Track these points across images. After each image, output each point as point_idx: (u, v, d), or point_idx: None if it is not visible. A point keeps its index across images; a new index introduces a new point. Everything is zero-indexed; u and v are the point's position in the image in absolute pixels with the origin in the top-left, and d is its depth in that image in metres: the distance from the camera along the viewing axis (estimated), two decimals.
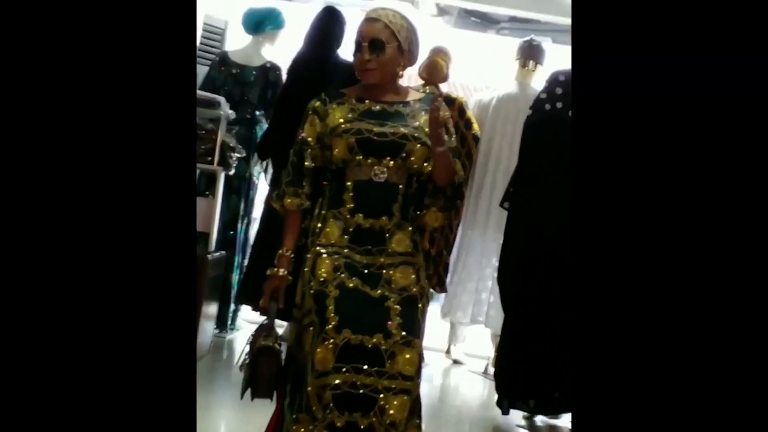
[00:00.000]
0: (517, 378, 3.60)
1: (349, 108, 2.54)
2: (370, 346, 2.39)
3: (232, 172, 4.33)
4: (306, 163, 2.54)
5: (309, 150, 2.55)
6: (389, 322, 2.40)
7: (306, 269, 2.49)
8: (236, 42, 5.22)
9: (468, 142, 4.24)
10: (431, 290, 2.88)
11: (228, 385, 3.71)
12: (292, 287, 2.51)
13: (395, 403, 2.39)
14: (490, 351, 4.61)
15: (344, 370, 2.37)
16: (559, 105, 3.55)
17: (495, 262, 4.10)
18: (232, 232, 4.60)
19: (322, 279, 2.46)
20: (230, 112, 4.23)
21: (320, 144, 2.53)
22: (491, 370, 4.24)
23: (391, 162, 2.49)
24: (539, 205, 3.57)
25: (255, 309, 4.00)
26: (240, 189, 4.64)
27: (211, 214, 4.11)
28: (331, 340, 2.38)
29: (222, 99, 4.17)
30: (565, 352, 3.44)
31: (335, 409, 2.37)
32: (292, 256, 2.52)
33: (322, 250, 2.50)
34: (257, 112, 4.72)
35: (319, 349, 2.39)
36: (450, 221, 2.69)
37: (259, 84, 4.75)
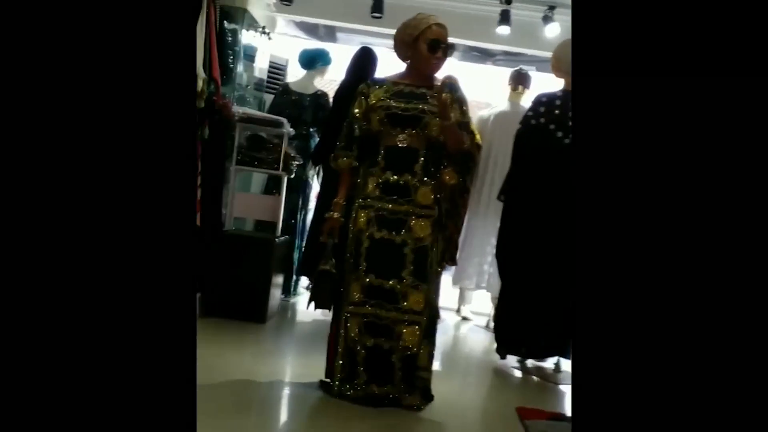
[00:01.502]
0: (511, 331, 3.53)
1: (385, 89, 2.55)
2: (387, 287, 2.44)
3: (293, 175, 4.35)
4: (355, 133, 2.56)
5: (356, 122, 2.56)
6: (404, 271, 2.44)
7: (350, 218, 2.55)
8: (295, 75, 5.22)
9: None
10: (444, 264, 2.73)
11: (291, 337, 3.76)
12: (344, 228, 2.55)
13: (408, 331, 2.44)
14: (490, 310, 4.58)
15: (369, 305, 2.43)
16: (542, 120, 3.46)
17: (493, 241, 3.90)
18: (293, 221, 4.61)
19: (359, 228, 2.48)
20: (291, 130, 4.25)
21: (365, 118, 2.55)
22: (491, 324, 4.17)
23: (413, 131, 2.49)
24: (527, 197, 3.47)
25: (311, 279, 3.86)
26: (298, 188, 4.64)
27: (278, 207, 4.11)
28: (361, 280, 2.45)
29: (285, 120, 4.17)
30: (550, 309, 3.37)
31: (366, 333, 2.44)
32: (344, 203, 2.55)
33: (362, 203, 2.50)
34: (311, 129, 4.74)
35: (352, 285, 2.46)
36: (464, 186, 2.61)
37: (312, 107, 4.75)
